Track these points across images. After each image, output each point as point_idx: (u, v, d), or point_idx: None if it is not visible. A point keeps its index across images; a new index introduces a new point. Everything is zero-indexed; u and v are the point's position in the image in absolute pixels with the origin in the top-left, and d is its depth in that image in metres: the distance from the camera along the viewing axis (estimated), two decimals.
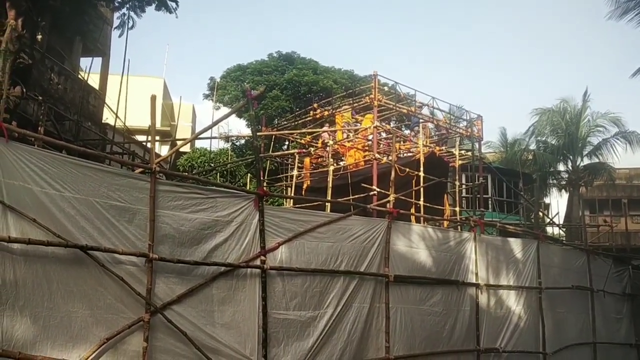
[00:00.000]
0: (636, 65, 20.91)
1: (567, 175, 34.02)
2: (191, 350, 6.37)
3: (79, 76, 15.94)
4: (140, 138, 20.87)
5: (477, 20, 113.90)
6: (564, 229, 28.28)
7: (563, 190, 35.70)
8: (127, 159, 13.70)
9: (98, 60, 18.47)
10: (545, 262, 11.90)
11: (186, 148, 26.12)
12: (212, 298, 6.75)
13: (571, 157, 32.90)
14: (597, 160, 32.67)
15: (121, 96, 14.03)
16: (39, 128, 11.07)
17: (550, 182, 35.11)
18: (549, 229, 25.06)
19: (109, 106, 15.60)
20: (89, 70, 15.31)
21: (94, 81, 16.88)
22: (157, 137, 25.29)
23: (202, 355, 6.41)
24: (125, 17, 14.18)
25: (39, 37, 12.43)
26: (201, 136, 13.10)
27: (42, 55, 13.30)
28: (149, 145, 7.25)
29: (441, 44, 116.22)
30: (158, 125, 29.43)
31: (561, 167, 34.28)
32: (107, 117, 17.04)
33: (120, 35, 14.88)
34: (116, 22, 17.33)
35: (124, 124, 15.19)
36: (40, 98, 11.73)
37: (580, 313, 12.94)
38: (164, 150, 28.59)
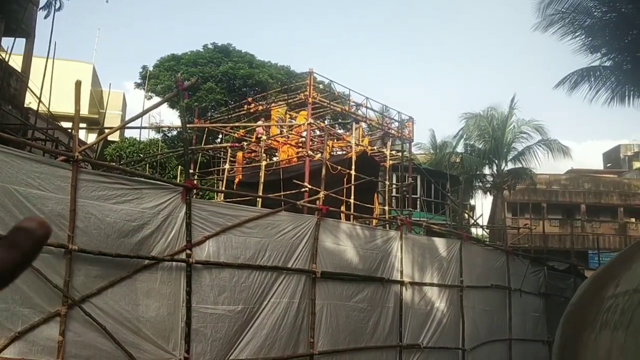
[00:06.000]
0: (560, 75, 21.88)
1: (492, 179, 35.34)
2: (112, 345, 6.21)
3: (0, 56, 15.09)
4: (67, 125, 20.00)
5: (415, 25, 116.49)
6: (488, 230, 29.41)
7: (488, 193, 37.09)
8: (50, 146, 13.11)
9: (21, 41, 17.54)
10: (467, 261, 12.33)
11: (115, 137, 25.29)
12: (136, 292, 6.59)
13: (496, 161, 34.18)
14: (520, 166, 34.09)
15: (46, 80, 13.40)
16: None
17: (476, 184, 36.38)
18: (474, 230, 26.00)
19: (31, 90, 14.86)
20: (11, 50, 14.50)
21: (16, 63, 16.03)
22: (84, 125, 24.36)
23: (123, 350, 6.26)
24: None
25: None
26: (130, 125, 12.74)
27: None
28: (73, 132, 6.98)
29: (378, 45, 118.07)
30: (85, 112, 28.36)
31: (487, 170, 35.59)
32: (30, 102, 16.24)
33: (46, 17, 14.24)
34: (42, 2, 16.59)
35: (48, 109, 14.53)
36: None
37: (499, 311, 13.50)
38: (91, 138, 27.57)
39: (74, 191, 6.07)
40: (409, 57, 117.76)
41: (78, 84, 6.47)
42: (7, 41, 16.78)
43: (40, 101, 13.91)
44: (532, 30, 18.82)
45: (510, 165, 34.39)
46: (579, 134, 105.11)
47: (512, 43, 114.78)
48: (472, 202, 36.27)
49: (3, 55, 15.05)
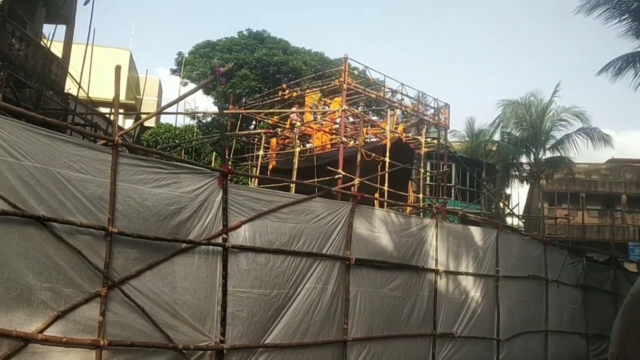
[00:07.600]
0: (604, 61, 21.25)
1: (528, 168, 34.69)
2: (150, 326, 6.31)
3: (42, 43, 15.41)
4: (104, 110, 20.38)
5: (452, 11, 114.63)
6: (523, 220, 28.93)
7: (524, 182, 36.46)
8: (89, 131, 13.37)
9: (62, 28, 17.88)
10: (503, 251, 12.15)
11: (151, 123, 25.71)
12: (174, 274, 6.67)
13: (534, 149, 33.50)
14: (558, 154, 33.33)
15: (85, 66, 13.64)
16: None
17: (512, 173, 35.78)
18: (509, 219, 25.59)
19: (72, 76, 15.15)
20: (52, 37, 14.78)
21: (57, 49, 16.34)
22: (121, 110, 24.74)
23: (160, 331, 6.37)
24: None
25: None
26: (167, 111, 12.90)
27: (3, 19, 12.84)
28: (112, 117, 7.09)
29: (414, 33, 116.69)
30: (122, 97, 28.78)
31: (524, 159, 34.97)
32: (70, 87, 16.56)
33: (85, 3, 14.45)
34: None
35: (87, 94, 14.81)
36: (0, 63, 11.32)
37: (535, 302, 13.29)
38: (128, 124, 28.03)
39: (114, 175, 6.15)
40: (446, 45, 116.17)
41: (118, 69, 6.53)
42: (48, 28, 17.13)
43: (80, 87, 14.18)
44: (574, 14, 18.21)
45: (548, 154, 33.70)
46: (622, 122, 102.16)
47: (553, 29, 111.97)
48: (508, 191, 35.73)
49: (45, 42, 15.35)
